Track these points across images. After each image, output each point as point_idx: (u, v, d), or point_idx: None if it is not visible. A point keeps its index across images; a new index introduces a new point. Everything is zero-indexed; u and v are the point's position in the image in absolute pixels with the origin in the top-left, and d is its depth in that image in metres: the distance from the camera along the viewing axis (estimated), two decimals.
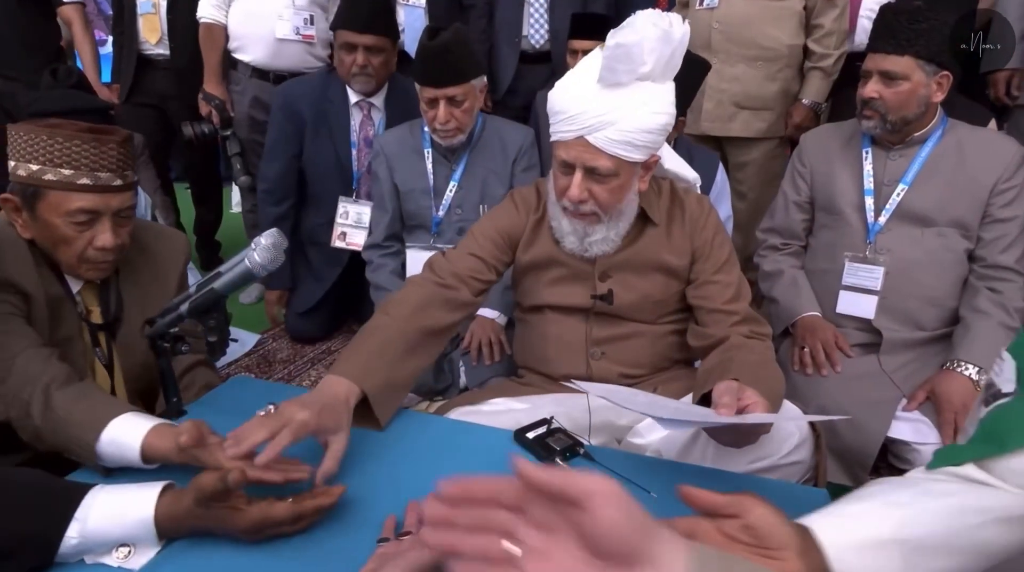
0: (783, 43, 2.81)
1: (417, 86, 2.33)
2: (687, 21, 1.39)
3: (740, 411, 1.13)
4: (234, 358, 2.98)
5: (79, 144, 1.34)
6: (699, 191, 1.68)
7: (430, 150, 2.48)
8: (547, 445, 1.26)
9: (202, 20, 3.18)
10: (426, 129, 2.45)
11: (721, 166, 2.45)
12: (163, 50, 3.44)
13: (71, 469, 1.21)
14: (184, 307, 1.30)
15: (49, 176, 1.34)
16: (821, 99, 2.88)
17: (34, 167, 1.34)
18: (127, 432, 1.16)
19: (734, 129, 2.93)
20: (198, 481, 1.00)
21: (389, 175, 2.53)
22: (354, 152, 2.83)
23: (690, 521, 0.85)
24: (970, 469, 0.83)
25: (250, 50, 3.20)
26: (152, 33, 3.41)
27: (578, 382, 1.22)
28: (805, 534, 0.82)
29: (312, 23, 3.18)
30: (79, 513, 0.98)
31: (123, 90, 3.51)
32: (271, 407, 1.14)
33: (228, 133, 3.24)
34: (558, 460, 1.23)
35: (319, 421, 1.12)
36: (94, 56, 3.68)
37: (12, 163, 1.36)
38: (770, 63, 2.83)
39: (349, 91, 2.80)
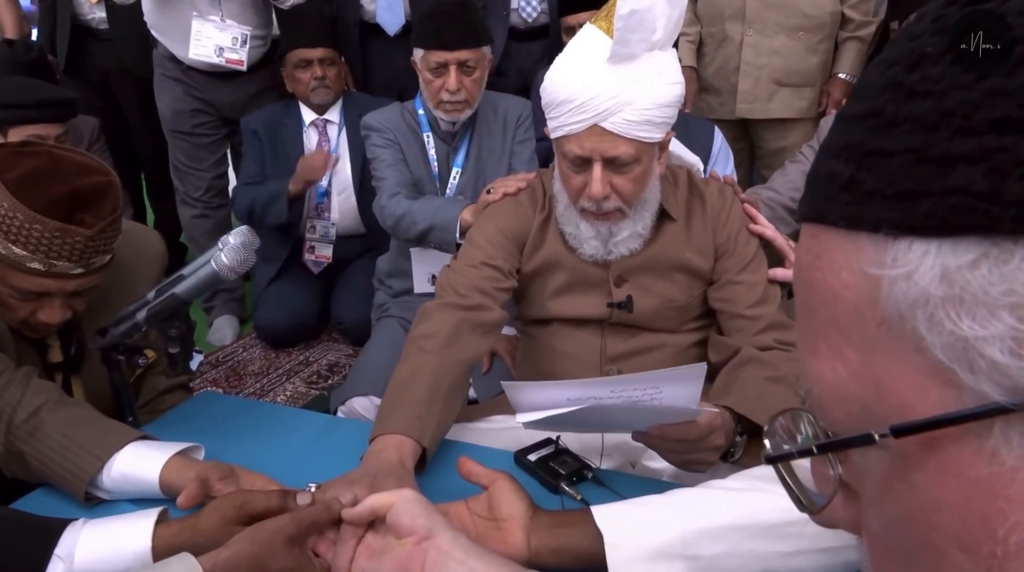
0: (825, 10, 2.76)
1: (419, 53, 2.28)
2: None
3: None
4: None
5: (39, 230, 1.21)
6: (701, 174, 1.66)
7: (430, 134, 2.44)
8: (551, 468, 1.24)
9: None
10: (421, 111, 2.41)
11: (718, 132, 2.36)
12: (103, 13, 3.24)
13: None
14: (141, 315, 1.28)
15: None
16: (858, 73, 2.83)
17: None
18: (141, 463, 1.16)
19: (774, 110, 2.88)
20: (232, 500, 1.00)
21: (399, 148, 2.40)
22: None
23: (449, 504, 1.04)
24: None
25: (180, 48, 3.03)
26: None
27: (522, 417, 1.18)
28: (538, 513, 1.00)
29: (246, 43, 3.03)
30: (60, 550, 0.96)
31: (59, 64, 3.28)
32: (312, 486, 1.09)
33: None
34: (563, 485, 1.20)
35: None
36: (15, 19, 3.42)
37: None
38: (811, 33, 2.78)
39: (303, 112, 3.11)
